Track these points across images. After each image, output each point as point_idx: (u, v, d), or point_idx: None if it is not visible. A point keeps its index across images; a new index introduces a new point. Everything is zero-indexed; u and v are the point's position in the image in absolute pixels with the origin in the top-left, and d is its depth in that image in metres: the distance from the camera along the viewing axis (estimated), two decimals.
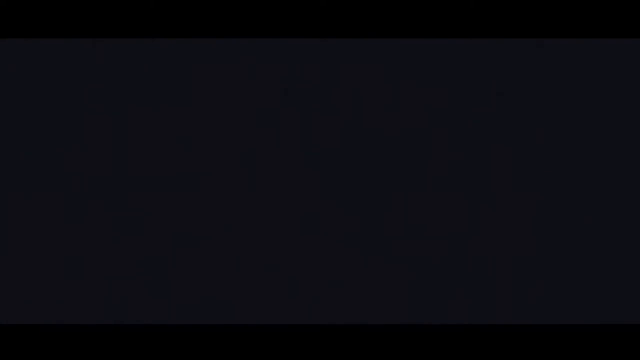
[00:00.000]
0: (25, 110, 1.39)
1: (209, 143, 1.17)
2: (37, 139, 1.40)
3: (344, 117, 1.18)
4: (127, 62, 1.44)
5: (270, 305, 1.22)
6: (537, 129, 1.39)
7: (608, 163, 1.35)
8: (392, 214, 1.23)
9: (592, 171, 1.36)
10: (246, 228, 1.23)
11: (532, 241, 1.38)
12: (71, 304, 1.26)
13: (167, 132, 1.19)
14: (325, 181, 1.20)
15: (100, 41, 1.43)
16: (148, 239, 1.23)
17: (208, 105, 1.22)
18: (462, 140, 1.47)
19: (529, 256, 1.38)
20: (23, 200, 1.39)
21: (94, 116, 1.23)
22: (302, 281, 1.24)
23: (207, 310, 1.21)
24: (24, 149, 1.37)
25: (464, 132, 1.52)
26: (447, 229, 1.36)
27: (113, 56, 1.45)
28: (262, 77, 1.26)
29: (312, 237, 1.24)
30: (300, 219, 1.23)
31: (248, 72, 1.26)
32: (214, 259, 1.23)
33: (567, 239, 1.37)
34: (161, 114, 1.22)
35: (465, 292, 1.24)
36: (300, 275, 1.24)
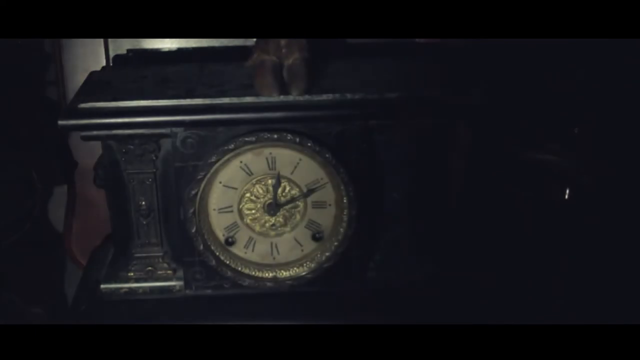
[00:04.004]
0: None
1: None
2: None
3: None
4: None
5: (270, 305, 1.22)
6: (537, 129, 1.39)
7: (609, 163, 1.35)
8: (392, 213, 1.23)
9: (592, 171, 1.36)
10: None
11: (532, 241, 1.39)
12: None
13: None
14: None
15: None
16: None
17: None
18: (462, 140, 1.47)
19: (529, 256, 1.38)
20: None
21: None
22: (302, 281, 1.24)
23: (207, 310, 1.21)
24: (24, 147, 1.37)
25: (464, 132, 1.52)
26: (447, 229, 1.36)
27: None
28: None
29: None
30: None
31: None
32: None
33: (568, 239, 1.37)
34: None
35: (466, 292, 1.24)
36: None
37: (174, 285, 1.23)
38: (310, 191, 1.19)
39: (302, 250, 1.23)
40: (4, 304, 1.26)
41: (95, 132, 1.14)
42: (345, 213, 1.18)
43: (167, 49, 1.46)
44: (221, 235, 1.21)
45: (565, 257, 1.37)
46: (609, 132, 1.35)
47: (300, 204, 1.20)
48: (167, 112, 1.12)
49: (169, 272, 1.22)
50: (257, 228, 1.21)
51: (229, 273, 1.21)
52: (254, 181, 1.18)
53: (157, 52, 1.45)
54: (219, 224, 1.20)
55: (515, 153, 1.40)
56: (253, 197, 1.19)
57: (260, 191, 1.19)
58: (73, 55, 1.44)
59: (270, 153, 1.16)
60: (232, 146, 1.14)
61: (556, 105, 1.37)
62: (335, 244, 1.20)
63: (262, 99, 1.14)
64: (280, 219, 1.20)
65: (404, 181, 1.19)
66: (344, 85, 1.16)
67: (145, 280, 1.22)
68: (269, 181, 1.18)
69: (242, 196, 1.19)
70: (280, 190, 1.18)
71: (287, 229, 1.21)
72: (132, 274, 1.22)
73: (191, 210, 1.16)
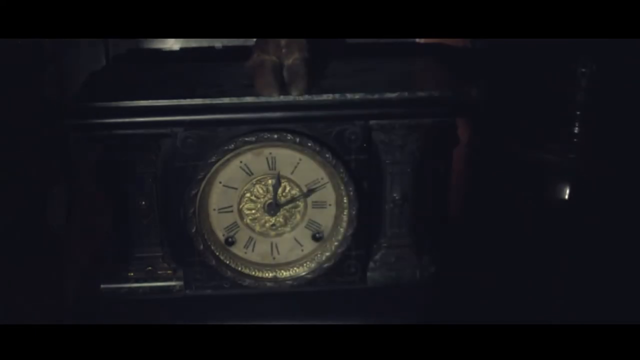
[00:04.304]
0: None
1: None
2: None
3: None
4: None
5: (270, 305, 1.22)
6: (537, 129, 1.39)
7: (609, 163, 1.35)
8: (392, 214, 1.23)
9: (592, 171, 1.36)
10: None
11: (532, 241, 1.38)
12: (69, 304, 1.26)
13: None
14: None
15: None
16: None
17: None
18: (463, 140, 1.47)
19: (529, 256, 1.38)
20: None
21: None
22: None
23: (207, 310, 1.21)
24: (23, 146, 1.37)
25: (465, 132, 1.52)
26: (447, 229, 1.36)
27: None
28: None
29: None
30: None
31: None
32: None
33: (568, 239, 1.37)
34: None
35: (466, 292, 1.24)
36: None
37: (174, 285, 1.23)
38: (310, 191, 1.19)
39: (302, 250, 1.23)
40: (4, 304, 1.26)
41: (95, 132, 1.14)
42: (345, 213, 1.19)
43: (167, 49, 1.46)
44: (221, 235, 1.21)
45: (565, 257, 1.37)
46: (609, 132, 1.35)
47: (300, 204, 1.20)
48: (167, 112, 1.12)
49: (169, 272, 1.22)
50: (257, 228, 1.21)
51: (229, 273, 1.21)
52: (254, 181, 1.18)
53: (157, 52, 1.46)
54: (219, 224, 1.20)
55: (515, 153, 1.40)
56: (253, 197, 1.19)
57: (260, 191, 1.19)
58: (73, 55, 1.44)
59: (270, 153, 1.16)
60: (232, 146, 1.14)
61: (556, 105, 1.37)
62: (335, 244, 1.20)
63: (262, 99, 1.14)
64: (280, 219, 1.21)
65: (403, 181, 1.19)
66: (344, 85, 1.16)
67: (145, 280, 1.22)
68: (269, 181, 1.18)
69: (242, 196, 1.19)
70: (280, 190, 1.18)
71: (287, 229, 1.22)
72: (132, 274, 1.22)
73: (191, 210, 1.16)
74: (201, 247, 1.19)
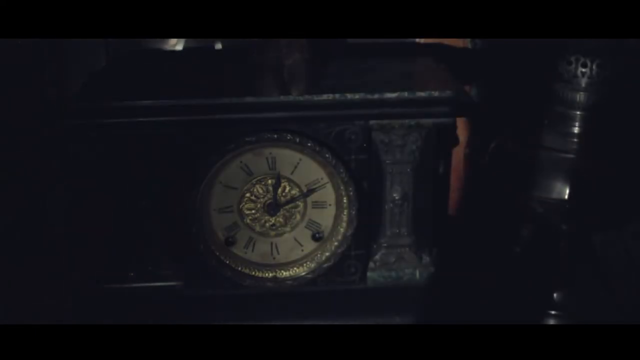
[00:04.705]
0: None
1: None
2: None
3: None
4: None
5: (270, 305, 1.22)
6: (537, 129, 1.39)
7: (609, 163, 1.35)
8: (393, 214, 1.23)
9: (594, 171, 1.36)
10: None
11: (532, 241, 1.39)
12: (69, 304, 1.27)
13: None
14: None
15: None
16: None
17: None
18: (463, 140, 1.47)
19: (529, 256, 1.38)
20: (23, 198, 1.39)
21: None
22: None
23: (207, 310, 1.21)
24: (23, 146, 1.37)
25: (465, 132, 1.52)
26: (447, 229, 1.36)
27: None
28: None
29: None
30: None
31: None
32: None
33: (568, 239, 1.37)
34: None
35: (466, 292, 1.24)
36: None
37: (174, 285, 1.23)
38: (310, 191, 1.19)
39: (302, 250, 1.23)
40: (4, 304, 1.26)
41: (95, 132, 1.14)
42: (345, 213, 1.19)
43: (167, 49, 1.46)
44: (221, 235, 1.21)
45: (565, 257, 1.37)
46: (609, 132, 1.35)
47: (300, 204, 1.20)
48: (167, 112, 1.12)
49: (169, 272, 1.22)
50: (257, 228, 1.21)
51: (229, 273, 1.21)
52: (254, 181, 1.18)
53: (157, 52, 1.46)
54: (219, 224, 1.21)
55: (515, 153, 1.40)
56: (253, 197, 1.19)
57: (260, 191, 1.19)
58: (73, 55, 1.44)
59: (270, 153, 1.17)
60: (232, 146, 1.14)
61: (555, 105, 1.37)
62: (335, 244, 1.20)
63: (262, 99, 1.14)
64: (280, 219, 1.21)
65: (403, 181, 1.19)
66: (344, 85, 1.16)
67: (146, 280, 1.22)
68: (269, 181, 1.18)
69: (242, 196, 1.19)
70: (280, 190, 1.18)
71: (287, 229, 1.22)
72: (132, 274, 1.22)
73: (191, 211, 1.16)
74: (201, 247, 1.19)
